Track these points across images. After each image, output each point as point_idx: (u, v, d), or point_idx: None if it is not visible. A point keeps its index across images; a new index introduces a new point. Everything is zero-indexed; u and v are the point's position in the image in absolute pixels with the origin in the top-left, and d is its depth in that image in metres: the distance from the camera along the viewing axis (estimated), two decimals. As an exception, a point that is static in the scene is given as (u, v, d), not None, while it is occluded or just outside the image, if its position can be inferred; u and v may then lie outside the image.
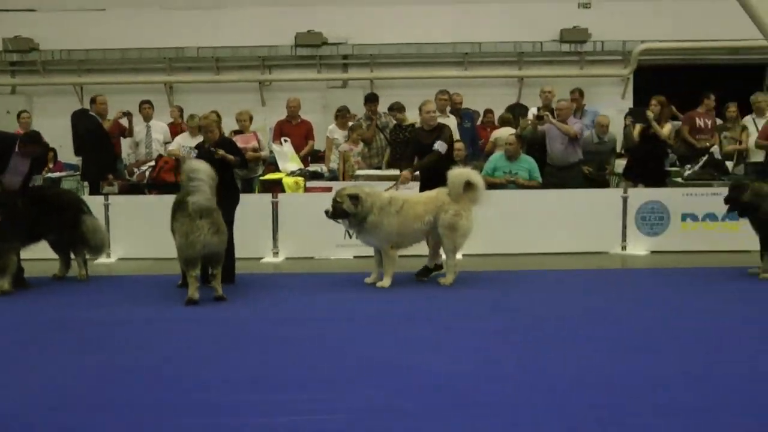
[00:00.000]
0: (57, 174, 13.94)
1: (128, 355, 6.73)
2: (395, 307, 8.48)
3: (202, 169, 8.69)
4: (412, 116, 13.03)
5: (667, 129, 12.72)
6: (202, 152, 9.78)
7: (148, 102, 14.43)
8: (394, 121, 13.09)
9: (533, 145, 12.63)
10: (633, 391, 5.50)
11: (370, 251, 10.47)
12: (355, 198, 9.40)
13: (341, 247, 11.63)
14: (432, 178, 9.84)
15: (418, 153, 10.23)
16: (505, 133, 12.91)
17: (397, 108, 13.09)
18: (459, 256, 9.99)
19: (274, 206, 11.62)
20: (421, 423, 5.05)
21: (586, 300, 8.75)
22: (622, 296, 8.96)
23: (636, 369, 6.02)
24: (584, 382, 5.71)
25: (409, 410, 5.26)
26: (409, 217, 9.49)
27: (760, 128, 12.48)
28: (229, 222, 9.28)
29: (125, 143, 14.01)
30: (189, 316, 8.12)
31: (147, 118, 14.08)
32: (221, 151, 9.62)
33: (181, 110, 15.21)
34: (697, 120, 13.63)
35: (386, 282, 9.50)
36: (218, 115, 10.51)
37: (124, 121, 13.37)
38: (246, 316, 8.18)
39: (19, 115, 14.33)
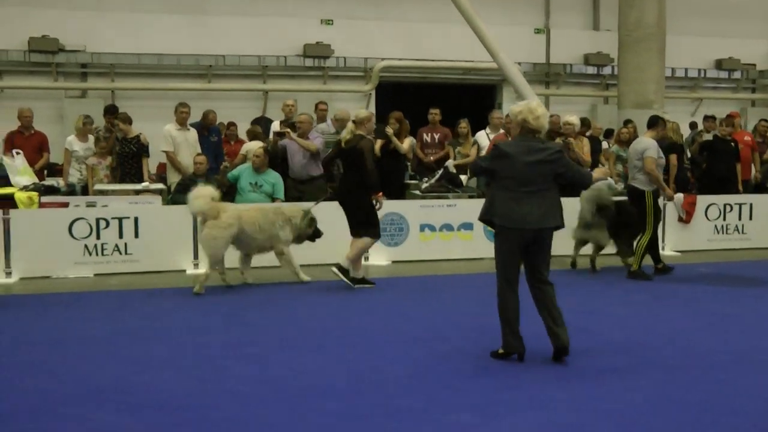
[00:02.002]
0: None
1: None
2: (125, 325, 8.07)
3: None
4: (154, 128, 12.61)
5: (406, 143, 12.74)
6: None
7: None
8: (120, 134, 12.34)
9: (275, 159, 12.26)
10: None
11: (111, 269, 10.49)
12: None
13: (80, 265, 10.81)
14: None
15: None
16: (255, 146, 12.50)
17: (121, 119, 12.39)
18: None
19: (6, 223, 10.56)
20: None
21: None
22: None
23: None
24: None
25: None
26: None
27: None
28: None
29: None
30: None
31: None
32: None
33: None
34: (424, 135, 13.76)
35: None
36: None
37: None
38: None
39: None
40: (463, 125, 13.82)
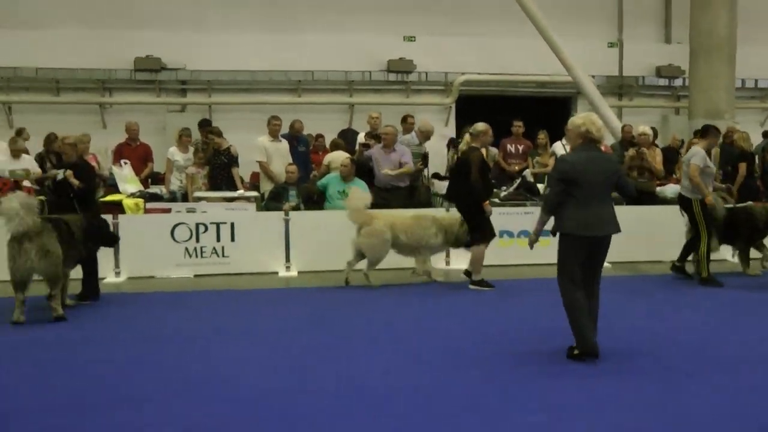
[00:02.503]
0: None
1: None
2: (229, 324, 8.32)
3: (11, 201, 8.24)
4: (248, 139, 13.02)
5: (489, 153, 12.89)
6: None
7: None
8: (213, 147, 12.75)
9: (361, 168, 12.50)
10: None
11: (209, 270, 10.85)
12: None
13: (181, 266, 11.28)
14: None
15: None
16: (339, 156, 12.81)
17: (215, 132, 12.82)
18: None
19: (115, 227, 11.02)
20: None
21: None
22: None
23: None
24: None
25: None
26: None
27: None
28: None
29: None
30: (18, 340, 7.62)
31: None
32: (69, 172, 9.43)
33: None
34: (508, 146, 13.94)
35: None
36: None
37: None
38: (84, 336, 7.78)
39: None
40: (542, 136, 13.97)
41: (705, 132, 10.68)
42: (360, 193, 10.68)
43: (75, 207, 9.30)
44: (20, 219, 8.02)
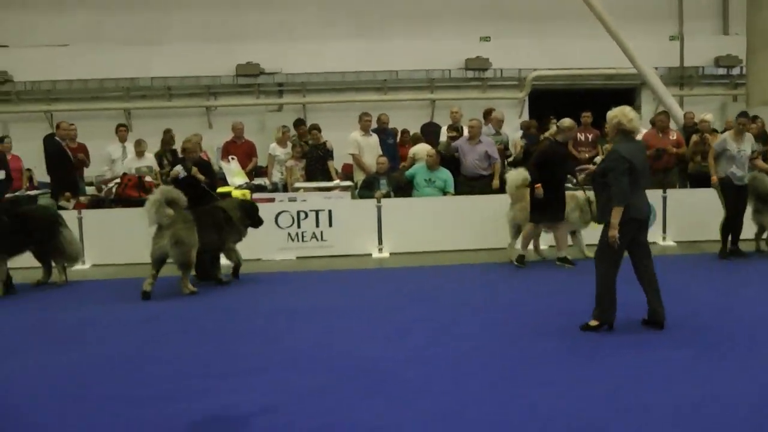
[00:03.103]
0: (33, 192, 13.86)
1: (98, 349, 6.97)
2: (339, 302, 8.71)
3: (155, 194, 9.18)
4: (339, 134, 13.54)
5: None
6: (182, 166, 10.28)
7: (124, 126, 14.63)
8: (311, 141, 13.44)
9: (446, 158, 12.98)
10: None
11: (309, 253, 11.36)
12: None
13: (285, 249, 11.85)
14: None
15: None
16: (422, 148, 13.24)
17: (317, 128, 13.52)
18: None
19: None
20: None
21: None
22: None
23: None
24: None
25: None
26: None
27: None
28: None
29: (101, 161, 14.04)
30: (151, 313, 8.38)
31: (122, 140, 14.12)
32: (195, 169, 10.07)
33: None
34: (578, 135, 14.28)
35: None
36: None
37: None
38: (208, 311, 8.46)
39: (2, 140, 14.18)
40: (608, 126, 14.20)
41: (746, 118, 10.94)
42: (520, 172, 10.86)
43: (197, 199, 9.84)
44: (157, 211, 8.94)
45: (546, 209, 10.35)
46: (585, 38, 17.21)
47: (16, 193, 12.90)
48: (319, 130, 13.40)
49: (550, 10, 18.75)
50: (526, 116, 18.83)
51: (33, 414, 5.37)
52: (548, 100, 18.33)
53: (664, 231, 12.35)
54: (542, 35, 18.60)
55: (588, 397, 5.35)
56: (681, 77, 19.64)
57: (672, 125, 13.59)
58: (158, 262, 9.16)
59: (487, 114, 14.38)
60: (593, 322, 6.93)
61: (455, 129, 13.43)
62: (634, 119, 6.86)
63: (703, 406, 5.15)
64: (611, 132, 7.00)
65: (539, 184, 10.25)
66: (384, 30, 18.67)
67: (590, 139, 14.35)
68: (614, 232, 6.64)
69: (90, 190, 14.02)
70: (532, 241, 10.98)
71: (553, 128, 10.74)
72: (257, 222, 10.41)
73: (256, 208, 10.49)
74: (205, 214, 9.69)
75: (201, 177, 10.14)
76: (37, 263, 10.45)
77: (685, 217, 12.18)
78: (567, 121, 10.47)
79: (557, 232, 10.62)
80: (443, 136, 14.09)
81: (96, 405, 5.48)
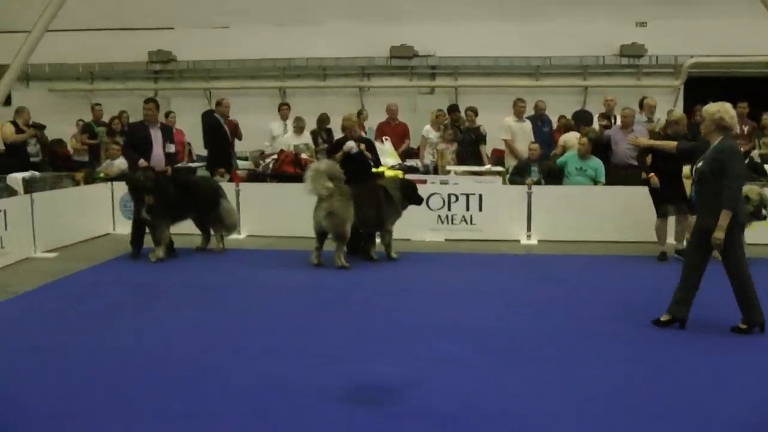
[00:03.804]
0: (193, 164, 14.31)
1: (246, 312, 7.50)
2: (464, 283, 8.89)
3: (317, 165, 9.54)
4: (490, 118, 13.39)
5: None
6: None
7: (287, 104, 15.01)
8: (467, 124, 13.25)
9: (598, 146, 12.58)
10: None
11: (458, 236, 11.37)
12: None
13: (434, 231, 11.84)
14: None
15: None
16: (573, 136, 12.97)
17: (473, 111, 13.45)
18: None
19: (378, 195, 11.82)
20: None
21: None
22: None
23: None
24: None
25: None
26: None
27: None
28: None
29: (265, 136, 14.45)
30: (303, 282, 8.81)
31: (284, 118, 14.45)
32: (363, 146, 10.30)
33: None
34: (732, 126, 13.45)
35: None
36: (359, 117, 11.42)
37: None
38: (353, 285, 8.70)
39: (167, 115, 14.66)
40: (766, 117, 13.38)
41: None
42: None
43: (357, 175, 9.96)
44: (317, 180, 9.15)
45: (662, 201, 10.09)
46: (747, 22, 16.17)
47: (178, 165, 13.34)
48: (476, 113, 13.35)
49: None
50: (680, 106, 17.90)
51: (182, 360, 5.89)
52: (703, 87, 17.42)
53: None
54: (701, 19, 17.48)
55: None
56: None
57: None
58: (319, 234, 9.46)
59: (642, 102, 13.80)
60: (741, 325, 6.62)
61: (606, 117, 13.06)
62: (735, 117, 6.58)
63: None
64: (708, 126, 6.58)
65: (653, 173, 9.99)
66: (537, 14, 18.13)
67: (746, 132, 13.50)
68: (721, 235, 6.31)
69: (244, 164, 14.35)
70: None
71: (662, 121, 10.25)
72: (417, 200, 10.42)
73: (414, 186, 10.49)
74: (366, 191, 9.83)
75: (368, 154, 10.28)
76: (197, 230, 10.92)
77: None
78: (676, 114, 10.15)
79: (678, 225, 10.23)
80: (594, 124, 13.68)
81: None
